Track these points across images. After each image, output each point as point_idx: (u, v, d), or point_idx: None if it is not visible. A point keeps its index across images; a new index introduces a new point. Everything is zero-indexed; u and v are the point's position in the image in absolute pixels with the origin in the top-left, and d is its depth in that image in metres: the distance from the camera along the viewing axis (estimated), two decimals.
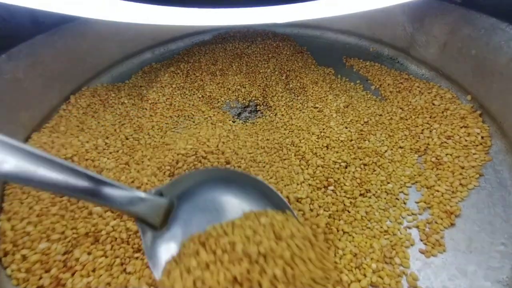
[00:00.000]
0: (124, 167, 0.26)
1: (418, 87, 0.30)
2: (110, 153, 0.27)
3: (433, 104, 0.28)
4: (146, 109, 0.32)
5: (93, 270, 0.18)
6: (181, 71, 0.37)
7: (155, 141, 0.29)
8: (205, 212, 0.19)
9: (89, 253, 0.18)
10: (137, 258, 0.19)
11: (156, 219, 0.17)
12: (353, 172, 0.24)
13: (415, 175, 0.23)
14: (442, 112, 0.27)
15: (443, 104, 0.27)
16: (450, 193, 0.21)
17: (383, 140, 0.27)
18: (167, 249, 0.17)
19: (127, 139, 0.29)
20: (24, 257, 0.17)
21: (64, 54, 0.29)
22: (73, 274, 0.17)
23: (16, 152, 0.12)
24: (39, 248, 0.18)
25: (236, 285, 0.14)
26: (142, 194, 0.16)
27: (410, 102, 0.29)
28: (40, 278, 0.17)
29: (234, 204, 0.19)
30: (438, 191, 0.21)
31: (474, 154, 0.23)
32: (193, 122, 0.31)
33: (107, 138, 0.28)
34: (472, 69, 0.26)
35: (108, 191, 0.15)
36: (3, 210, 0.20)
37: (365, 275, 0.17)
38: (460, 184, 0.21)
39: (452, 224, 0.19)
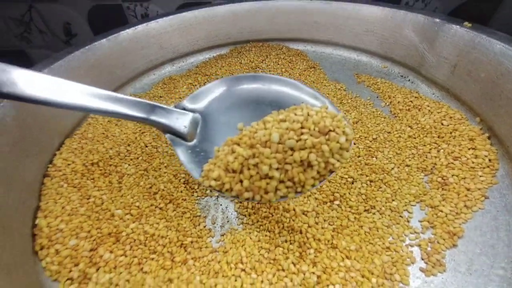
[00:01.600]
0: (143, 173, 0.28)
1: (428, 106, 0.31)
2: (131, 159, 0.29)
3: (442, 124, 0.28)
4: None
5: (115, 267, 0.19)
6: (198, 83, 0.40)
7: (171, 149, 0.31)
8: (234, 119, 0.20)
9: (111, 252, 0.20)
10: (152, 259, 0.21)
11: (184, 130, 0.19)
12: (359, 188, 0.25)
13: (420, 194, 0.24)
14: (451, 133, 0.27)
15: (452, 125, 0.28)
16: (454, 214, 0.21)
17: (390, 157, 0.28)
18: (203, 157, 0.19)
19: (146, 146, 0.31)
20: (57, 252, 0.20)
21: (95, 68, 0.32)
22: (97, 270, 0.19)
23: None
24: (70, 244, 0.20)
25: (272, 178, 0.16)
26: (165, 106, 0.19)
27: (419, 121, 0.30)
28: (70, 271, 0.19)
29: (262, 106, 0.21)
30: (442, 211, 0.22)
31: (480, 176, 0.23)
32: None
33: (128, 145, 0.31)
34: (481, 91, 0.27)
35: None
36: (41, 208, 0.22)
37: None
38: (465, 205, 0.22)
39: (454, 245, 0.20)
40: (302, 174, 0.17)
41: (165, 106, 0.20)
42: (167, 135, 0.20)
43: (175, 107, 0.21)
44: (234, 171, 0.17)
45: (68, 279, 0.19)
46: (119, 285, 0.18)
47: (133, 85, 0.39)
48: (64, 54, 0.29)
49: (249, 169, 0.17)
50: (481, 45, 0.27)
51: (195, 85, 0.39)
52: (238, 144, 0.18)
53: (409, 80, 0.36)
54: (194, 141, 0.21)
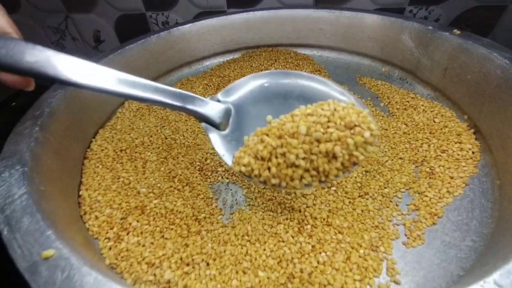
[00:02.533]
0: (163, 160, 0.32)
1: (423, 105, 0.33)
2: (153, 148, 0.33)
3: (434, 122, 0.31)
4: (182, 114, 0.38)
5: (141, 233, 0.23)
6: (213, 83, 0.44)
7: (188, 142, 0.34)
8: (263, 112, 0.21)
9: (137, 221, 0.24)
10: (172, 229, 0.24)
11: (218, 120, 0.21)
12: (355, 177, 0.28)
13: (409, 182, 0.26)
14: (441, 129, 0.30)
15: (443, 122, 0.30)
16: (437, 198, 0.24)
17: (385, 151, 0.30)
18: (234, 145, 0.21)
19: (166, 138, 0.35)
20: (96, 217, 0.24)
21: (124, 69, 0.37)
22: (127, 233, 0.23)
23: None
24: (106, 213, 0.24)
25: (298, 167, 0.17)
26: (202, 98, 0.21)
27: (414, 119, 0.33)
28: (107, 232, 0.23)
29: (290, 101, 0.22)
30: (427, 196, 0.24)
31: (464, 166, 0.26)
32: None
33: (151, 136, 0.35)
34: (468, 91, 0.29)
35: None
36: (83, 183, 0.27)
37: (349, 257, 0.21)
38: (447, 191, 0.24)
39: (434, 224, 0.22)
40: (326, 165, 0.18)
41: (201, 98, 0.22)
42: (203, 124, 0.22)
43: (211, 99, 0.22)
44: (263, 159, 0.19)
45: (106, 238, 0.23)
46: (145, 245, 0.22)
47: None
48: (101, 58, 0.34)
49: (277, 157, 0.18)
50: (467, 50, 0.29)
51: (210, 85, 0.43)
52: (267, 135, 0.19)
53: (407, 82, 0.38)
54: (227, 131, 0.22)
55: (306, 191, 0.27)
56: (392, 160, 0.29)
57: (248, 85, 0.24)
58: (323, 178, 0.19)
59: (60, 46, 0.66)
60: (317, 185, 0.19)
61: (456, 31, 0.31)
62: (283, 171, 0.18)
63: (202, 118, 0.22)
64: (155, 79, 0.43)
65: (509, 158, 0.23)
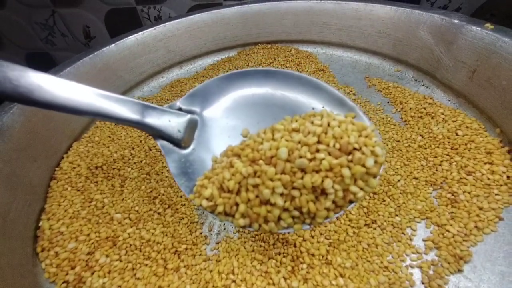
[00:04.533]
0: (145, 177, 0.28)
1: (443, 114, 0.29)
2: (134, 163, 0.30)
3: (457, 134, 0.26)
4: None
5: (109, 272, 0.20)
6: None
7: None
8: (239, 123, 0.17)
9: (107, 256, 0.21)
10: (146, 265, 0.21)
11: (177, 134, 0.16)
12: (361, 200, 0.24)
13: (426, 210, 0.22)
14: (466, 144, 0.25)
15: (468, 135, 0.26)
16: (462, 235, 0.20)
17: (397, 168, 0.26)
18: (197, 168, 0.16)
19: (150, 150, 0.32)
20: (56, 254, 0.21)
21: (103, 72, 0.33)
22: (92, 274, 0.20)
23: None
24: (68, 247, 0.21)
25: (274, 205, 0.13)
26: (156, 106, 0.16)
27: (432, 129, 0.28)
28: (67, 274, 0.20)
29: (274, 109, 0.17)
30: (449, 231, 0.20)
31: (496, 195, 0.21)
32: None
33: (133, 148, 0.31)
34: (502, 100, 0.24)
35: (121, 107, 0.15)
36: (45, 211, 0.23)
37: None
38: (476, 226, 0.20)
39: (459, 270, 0.18)
40: (312, 204, 0.13)
41: (156, 106, 0.17)
42: (159, 142, 0.17)
43: (169, 107, 0.18)
44: (230, 191, 0.15)
45: (64, 281, 0.19)
46: None
47: (141, 88, 0.40)
48: (74, 60, 0.30)
49: (247, 190, 0.14)
50: (503, 50, 0.24)
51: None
52: (239, 156, 0.15)
53: (423, 85, 0.33)
54: (190, 148, 0.18)
55: None
56: (405, 180, 0.25)
57: (220, 87, 0.19)
58: (308, 221, 0.14)
59: (50, 43, 0.62)
60: (300, 228, 0.14)
61: (489, 25, 0.26)
62: (255, 209, 0.14)
63: (157, 134, 0.17)
64: (140, 82, 0.39)
65: None
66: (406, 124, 0.30)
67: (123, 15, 0.55)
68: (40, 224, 0.22)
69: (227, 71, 0.41)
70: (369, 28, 0.37)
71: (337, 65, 0.40)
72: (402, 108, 0.32)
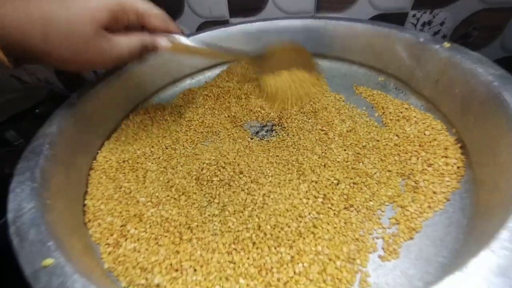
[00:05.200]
0: (162, 170, 0.34)
1: (415, 117, 0.34)
2: (154, 159, 0.36)
3: (424, 134, 0.31)
4: (183, 125, 0.41)
5: (138, 239, 0.26)
6: (213, 94, 0.45)
7: (187, 152, 0.37)
8: None
9: (135, 228, 0.27)
10: (166, 236, 0.26)
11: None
12: (343, 189, 0.29)
13: (394, 196, 0.27)
14: (430, 142, 0.30)
15: (433, 135, 0.30)
16: (417, 213, 0.24)
17: (375, 163, 0.31)
18: None
19: (166, 148, 0.37)
20: (99, 224, 0.26)
21: (127, 83, 0.40)
22: (126, 240, 0.25)
23: None
24: (107, 220, 0.26)
25: None
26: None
27: (406, 130, 0.33)
28: (107, 238, 0.26)
29: None
30: (408, 210, 0.25)
31: (447, 181, 0.26)
32: (219, 137, 0.38)
33: (152, 147, 0.37)
34: (456, 105, 0.29)
35: None
36: (88, 193, 0.30)
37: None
38: (429, 206, 0.25)
39: (411, 238, 0.23)
40: None
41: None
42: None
43: None
44: None
45: (106, 244, 0.25)
46: (140, 251, 0.24)
47: (158, 96, 0.46)
48: (108, 73, 0.37)
49: None
50: (455, 64, 0.29)
51: (210, 96, 0.45)
52: None
53: (402, 92, 0.38)
54: None
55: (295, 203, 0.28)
56: (381, 172, 0.30)
57: None
58: None
59: None
60: None
61: (446, 44, 0.31)
62: None
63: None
64: (157, 91, 0.46)
65: (487, 177, 0.23)
66: (386, 126, 0.35)
67: None
68: (86, 202, 0.28)
69: (230, 82, 0.47)
70: (356, 44, 0.42)
71: (329, 75, 0.45)
72: (383, 113, 0.37)
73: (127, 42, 0.26)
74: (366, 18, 0.49)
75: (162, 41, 0.30)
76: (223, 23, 0.55)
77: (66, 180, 0.27)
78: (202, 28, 0.57)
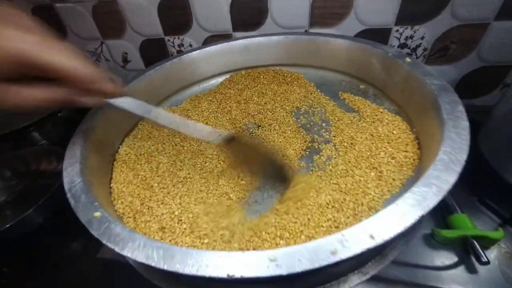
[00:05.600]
0: (172, 163, 0.40)
1: (387, 119, 0.39)
2: (165, 153, 0.42)
3: (392, 133, 0.37)
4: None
5: (149, 221, 0.32)
6: (216, 100, 0.52)
7: (193, 148, 0.43)
8: None
9: (149, 207, 0.33)
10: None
11: None
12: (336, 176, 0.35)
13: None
14: (396, 139, 0.36)
15: (399, 134, 0.36)
16: (379, 196, 0.30)
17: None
18: None
19: (175, 145, 0.44)
20: (122, 203, 0.33)
21: (144, 90, 0.47)
22: (143, 214, 0.32)
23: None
24: (128, 200, 0.33)
25: None
26: None
27: (378, 130, 0.39)
28: (129, 213, 0.32)
29: None
30: (370, 194, 0.31)
31: (405, 171, 0.32)
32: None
33: (163, 144, 0.44)
34: (416, 110, 0.35)
35: None
36: (113, 178, 0.36)
37: None
38: (388, 190, 0.30)
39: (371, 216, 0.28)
40: None
41: None
42: None
43: None
44: None
45: (128, 216, 0.32)
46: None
47: (169, 100, 0.53)
48: (129, 81, 0.44)
49: None
50: (414, 76, 0.35)
51: (213, 101, 0.52)
52: None
53: (378, 98, 0.44)
54: None
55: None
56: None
57: None
58: None
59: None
60: None
61: (408, 59, 0.37)
62: None
63: None
64: (169, 96, 0.53)
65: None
66: (363, 127, 0.41)
67: (154, 43, 0.69)
68: (111, 185, 0.35)
69: (232, 89, 0.53)
70: (341, 56, 0.48)
71: (319, 83, 0.51)
72: (362, 116, 0.43)
73: (31, 95, 0.22)
74: (355, 32, 0.55)
75: (90, 100, 0.25)
76: (226, 36, 0.62)
77: (98, 166, 0.34)
78: (208, 41, 0.64)
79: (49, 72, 0.22)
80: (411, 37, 0.57)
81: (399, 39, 0.57)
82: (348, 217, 0.29)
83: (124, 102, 0.29)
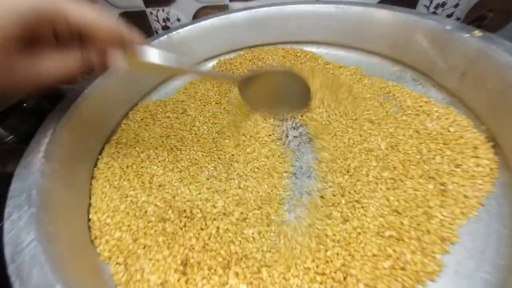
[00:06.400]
0: (170, 174, 0.32)
1: (437, 112, 0.32)
2: (159, 161, 0.33)
3: (449, 131, 0.29)
4: (186, 124, 0.38)
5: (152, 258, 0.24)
6: (213, 87, 0.42)
7: (193, 151, 0.34)
8: None
9: (144, 247, 0.25)
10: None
11: None
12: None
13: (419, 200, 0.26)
14: (456, 140, 0.28)
15: (458, 132, 0.29)
16: (449, 220, 0.23)
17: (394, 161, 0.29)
18: None
19: (171, 149, 0.35)
20: (106, 241, 0.24)
21: (126, 79, 0.36)
22: (138, 257, 0.23)
23: None
24: (114, 237, 0.24)
25: None
26: None
27: (427, 126, 0.31)
28: (118, 257, 0.24)
29: None
30: (437, 217, 0.24)
31: (480, 184, 0.25)
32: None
33: (156, 148, 0.34)
34: (488, 101, 0.27)
35: None
36: (92, 205, 0.27)
37: None
38: (461, 212, 0.23)
39: (446, 251, 0.22)
40: None
41: None
42: None
43: None
44: None
45: (116, 263, 0.23)
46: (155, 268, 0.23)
47: (158, 92, 0.43)
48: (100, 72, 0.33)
49: None
50: (488, 56, 0.27)
51: (210, 89, 0.42)
52: None
53: (420, 84, 0.36)
54: None
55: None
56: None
57: None
58: None
59: None
60: None
61: (477, 33, 0.28)
62: None
63: None
64: (157, 86, 0.42)
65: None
66: (404, 121, 0.33)
67: (133, 17, 0.57)
68: (90, 216, 0.26)
69: (231, 71, 0.44)
70: (369, 31, 0.39)
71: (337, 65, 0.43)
72: (400, 106, 0.35)
73: (54, 62, 0.20)
74: (374, 1, 0.46)
75: (116, 59, 0.22)
76: (222, 8, 0.51)
77: (67, 195, 0.24)
78: (199, 15, 0.53)
79: (73, 27, 0.20)
80: (443, 4, 0.48)
81: (428, 7, 0.48)
82: (414, 252, 0.22)
83: (157, 56, 0.25)
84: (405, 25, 0.34)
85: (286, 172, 0.30)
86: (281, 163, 0.31)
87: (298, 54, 0.45)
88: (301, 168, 0.31)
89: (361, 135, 0.32)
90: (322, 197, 0.27)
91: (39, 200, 0.20)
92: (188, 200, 0.28)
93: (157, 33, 0.55)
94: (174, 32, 0.41)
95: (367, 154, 0.30)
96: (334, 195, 0.27)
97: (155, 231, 0.25)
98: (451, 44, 0.30)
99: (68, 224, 0.22)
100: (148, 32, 0.56)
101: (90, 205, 0.27)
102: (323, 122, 0.34)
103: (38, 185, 0.21)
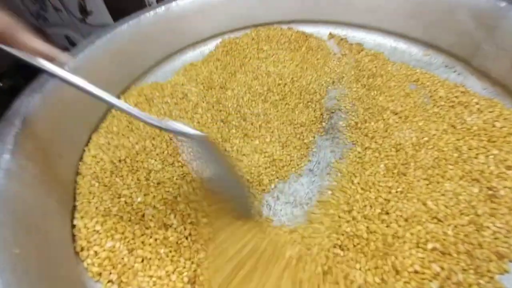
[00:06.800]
0: (171, 169, 0.27)
1: (477, 103, 0.28)
2: (157, 154, 0.29)
3: (494, 126, 0.26)
4: (188, 111, 0.33)
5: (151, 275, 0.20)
6: (216, 68, 0.37)
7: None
8: None
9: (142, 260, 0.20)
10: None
11: None
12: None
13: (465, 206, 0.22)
14: (504, 137, 0.25)
15: (506, 128, 0.25)
16: (504, 232, 0.20)
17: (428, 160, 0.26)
18: None
19: (171, 139, 0.30)
20: (96, 253, 0.20)
21: (117, 57, 0.31)
22: (135, 274, 0.19)
23: None
24: (107, 246, 0.20)
25: None
26: None
27: (465, 120, 0.27)
28: (110, 273, 0.19)
29: None
30: (489, 228, 0.20)
31: None
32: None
33: (153, 139, 0.30)
34: None
35: None
36: (77, 209, 0.23)
37: None
38: None
39: (505, 270, 0.19)
40: None
41: None
42: None
43: None
44: None
45: (109, 281, 0.19)
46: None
47: (155, 73, 0.37)
48: (86, 45, 0.28)
49: None
50: None
51: (214, 72, 0.37)
52: None
53: (454, 71, 0.32)
54: None
55: None
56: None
57: None
58: None
59: (42, 18, 0.57)
60: None
61: None
62: None
63: None
64: (154, 66, 0.37)
65: None
66: (436, 113, 0.30)
67: None
68: (75, 223, 0.21)
69: (240, 52, 0.38)
70: (399, 9, 0.34)
71: (357, 49, 0.38)
72: (430, 97, 0.31)
73: None
74: None
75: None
76: None
77: (44, 199, 0.19)
78: None
79: None
80: None
81: None
82: (465, 270, 0.18)
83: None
84: (446, 2, 0.30)
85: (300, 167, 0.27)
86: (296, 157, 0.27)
87: (309, 40, 0.40)
88: (318, 163, 0.27)
89: (386, 130, 0.28)
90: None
91: (3, 213, 0.15)
92: (192, 201, 0.24)
93: (149, 5, 0.48)
94: (172, 3, 0.35)
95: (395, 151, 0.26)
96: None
97: (155, 240, 0.21)
98: (504, 25, 0.26)
99: (43, 238, 0.18)
100: (140, 4, 0.49)
101: (74, 208, 0.22)
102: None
103: (1, 190, 0.16)
